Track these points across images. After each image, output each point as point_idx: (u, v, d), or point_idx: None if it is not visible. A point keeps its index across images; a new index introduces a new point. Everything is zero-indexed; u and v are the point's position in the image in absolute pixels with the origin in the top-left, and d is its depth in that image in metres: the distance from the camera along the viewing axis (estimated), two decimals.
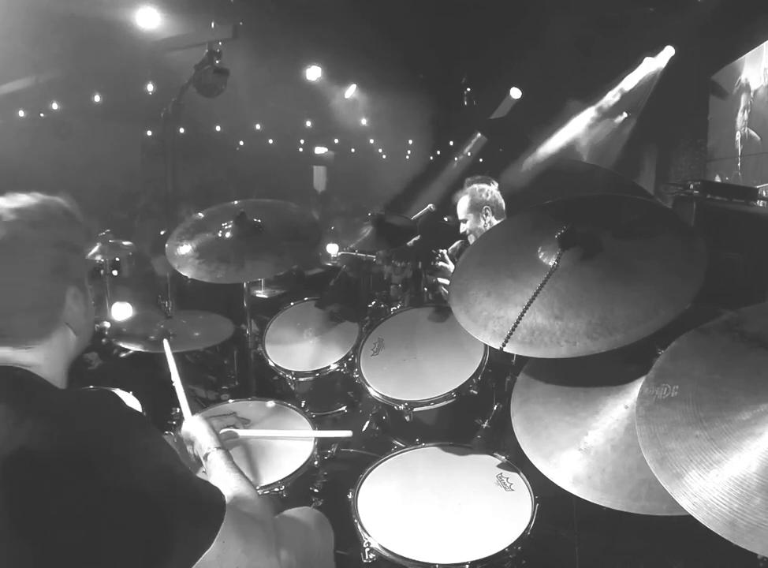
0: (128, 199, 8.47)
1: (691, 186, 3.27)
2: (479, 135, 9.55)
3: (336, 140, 14.74)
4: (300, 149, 15.26)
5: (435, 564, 1.61)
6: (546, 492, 1.74)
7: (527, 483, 1.85)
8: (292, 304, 3.11)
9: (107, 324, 2.87)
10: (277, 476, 1.95)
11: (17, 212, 1.10)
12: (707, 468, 1.06)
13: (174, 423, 2.23)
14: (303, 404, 2.47)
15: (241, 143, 13.49)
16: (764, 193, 4.97)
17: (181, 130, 7.94)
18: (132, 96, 8.28)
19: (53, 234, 1.13)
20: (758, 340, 1.24)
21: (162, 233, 5.29)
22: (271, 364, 2.74)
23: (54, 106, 8.48)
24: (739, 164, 6.02)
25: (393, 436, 2.43)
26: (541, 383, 1.73)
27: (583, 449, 1.48)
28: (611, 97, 7.62)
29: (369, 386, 2.38)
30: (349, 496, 1.87)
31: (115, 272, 3.32)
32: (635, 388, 1.47)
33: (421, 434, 2.19)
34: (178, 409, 1.95)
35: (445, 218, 3.49)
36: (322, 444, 2.21)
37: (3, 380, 1.07)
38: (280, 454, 2.06)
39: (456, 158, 10.95)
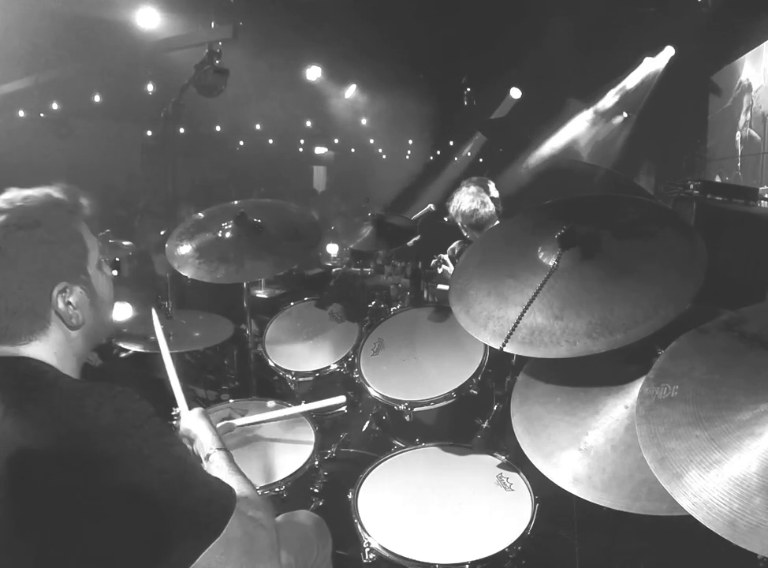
0: (128, 199, 8.46)
1: (691, 186, 3.26)
2: (479, 135, 9.55)
3: (336, 140, 14.73)
4: (300, 149, 15.24)
5: (435, 564, 1.61)
6: (546, 492, 1.74)
7: (527, 483, 1.85)
8: (292, 304, 3.11)
9: None
10: (277, 476, 1.95)
11: None
12: (707, 468, 1.06)
13: (174, 423, 2.22)
14: (303, 404, 2.46)
15: (241, 143, 13.47)
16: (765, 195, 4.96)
17: (181, 130, 7.95)
18: (132, 96, 8.27)
19: (31, 236, 1.11)
20: (757, 340, 1.24)
21: (162, 232, 5.28)
22: (271, 364, 2.74)
23: (54, 106, 8.46)
24: (739, 164, 6.01)
25: (393, 436, 2.43)
26: (541, 383, 1.73)
27: (583, 449, 1.48)
28: (611, 97, 7.63)
29: (369, 386, 2.38)
30: (349, 496, 1.88)
31: (115, 272, 3.30)
32: (635, 388, 1.47)
33: (421, 434, 2.20)
34: (178, 409, 1.94)
35: (445, 218, 3.49)
36: (322, 444, 2.21)
37: (18, 371, 1.08)
38: (280, 454, 2.06)
39: (456, 158, 10.95)
